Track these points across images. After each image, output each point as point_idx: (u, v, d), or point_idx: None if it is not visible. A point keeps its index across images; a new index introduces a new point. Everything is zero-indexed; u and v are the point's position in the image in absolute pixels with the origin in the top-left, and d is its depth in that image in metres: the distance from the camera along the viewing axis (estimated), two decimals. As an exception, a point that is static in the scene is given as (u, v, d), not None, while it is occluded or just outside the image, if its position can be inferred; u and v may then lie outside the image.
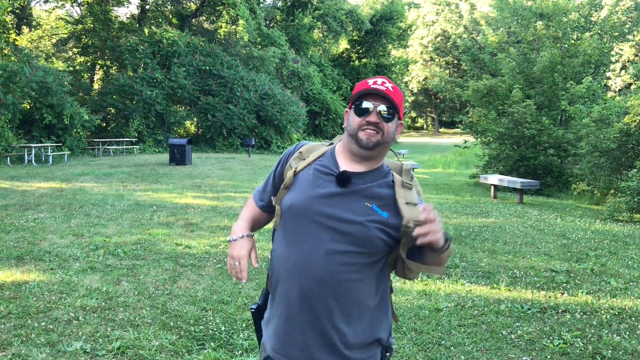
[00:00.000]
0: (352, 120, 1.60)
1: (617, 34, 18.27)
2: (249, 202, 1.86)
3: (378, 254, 1.58)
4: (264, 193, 1.81)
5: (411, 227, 1.43)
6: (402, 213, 1.53)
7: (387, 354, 1.66)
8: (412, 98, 58.02)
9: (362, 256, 1.55)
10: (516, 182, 11.03)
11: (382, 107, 1.56)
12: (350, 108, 1.63)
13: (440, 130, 60.33)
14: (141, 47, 22.55)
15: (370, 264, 1.57)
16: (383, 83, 1.59)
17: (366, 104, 1.56)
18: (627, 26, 19.25)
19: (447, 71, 52.35)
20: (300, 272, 1.55)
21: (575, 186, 13.10)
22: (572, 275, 5.34)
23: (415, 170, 17.05)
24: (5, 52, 19.67)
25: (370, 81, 1.60)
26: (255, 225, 1.82)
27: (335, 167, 1.63)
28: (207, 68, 23.64)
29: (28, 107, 17.54)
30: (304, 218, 1.57)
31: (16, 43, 22.47)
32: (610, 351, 3.53)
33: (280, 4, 33.06)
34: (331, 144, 1.73)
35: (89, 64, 27.22)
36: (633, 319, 4.14)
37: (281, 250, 1.63)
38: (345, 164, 1.63)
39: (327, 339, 1.54)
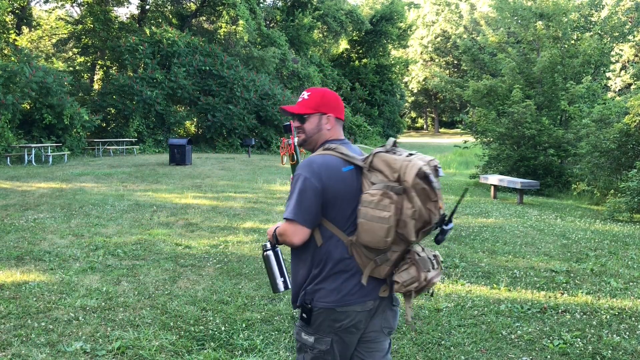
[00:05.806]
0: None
1: (617, 34, 18.28)
2: None
3: None
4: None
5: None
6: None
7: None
8: (412, 98, 57.98)
9: None
10: (516, 182, 11.03)
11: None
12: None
13: (440, 130, 60.28)
14: (141, 47, 22.55)
15: None
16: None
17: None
18: (627, 26, 19.25)
19: (447, 71, 52.34)
20: None
21: (575, 186, 13.10)
22: (572, 275, 5.34)
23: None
24: (5, 52, 19.69)
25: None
26: None
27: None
28: (207, 68, 23.63)
29: (28, 107, 17.54)
30: None
31: (16, 43, 22.47)
32: (610, 351, 3.53)
33: (280, 4, 33.00)
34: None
35: (89, 64, 27.23)
36: (633, 319, 4.14)
37: None
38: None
39: None
